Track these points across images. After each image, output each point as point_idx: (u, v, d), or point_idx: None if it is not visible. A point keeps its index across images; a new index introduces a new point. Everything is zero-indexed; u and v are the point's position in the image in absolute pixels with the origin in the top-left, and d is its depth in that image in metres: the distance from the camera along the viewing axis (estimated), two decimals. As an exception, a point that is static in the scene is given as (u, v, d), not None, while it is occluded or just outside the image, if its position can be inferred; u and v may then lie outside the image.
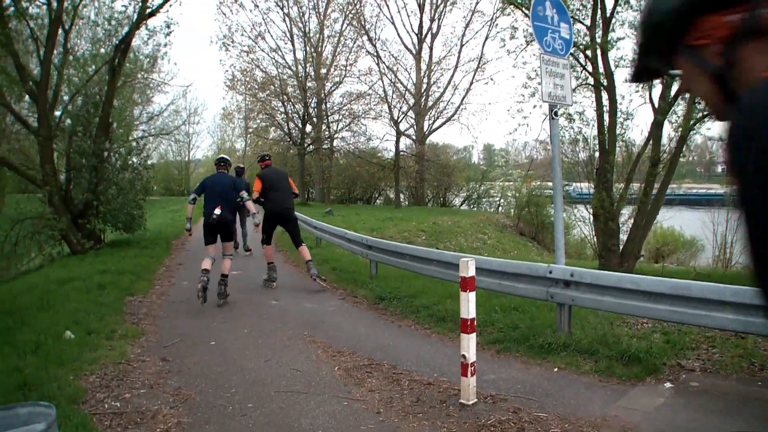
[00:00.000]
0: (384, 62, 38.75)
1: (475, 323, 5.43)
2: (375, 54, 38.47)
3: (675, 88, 13.90)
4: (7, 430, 3.45)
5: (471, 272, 5.36)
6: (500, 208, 35.97)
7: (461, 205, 41.88)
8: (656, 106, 14.03)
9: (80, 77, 20.18)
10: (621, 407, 5.25)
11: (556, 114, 7.69)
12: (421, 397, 5.58)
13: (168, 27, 19.55)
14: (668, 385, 5.80)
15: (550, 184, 26.24)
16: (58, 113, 18.48)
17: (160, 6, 17.86)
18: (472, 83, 39.42)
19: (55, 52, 16.93)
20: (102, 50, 21.60)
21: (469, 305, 5.33)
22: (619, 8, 14.41)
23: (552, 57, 7.57)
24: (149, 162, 24.49)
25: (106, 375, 6.31)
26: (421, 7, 39.51)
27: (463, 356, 5.31)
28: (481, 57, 38.70)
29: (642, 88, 14.80)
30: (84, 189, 17.50)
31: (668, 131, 14.68)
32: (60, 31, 16.44)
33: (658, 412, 5.15)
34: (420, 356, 6.96)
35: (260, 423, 5.07)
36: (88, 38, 23.01)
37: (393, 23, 44.73)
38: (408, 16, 48.12)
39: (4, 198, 28.47)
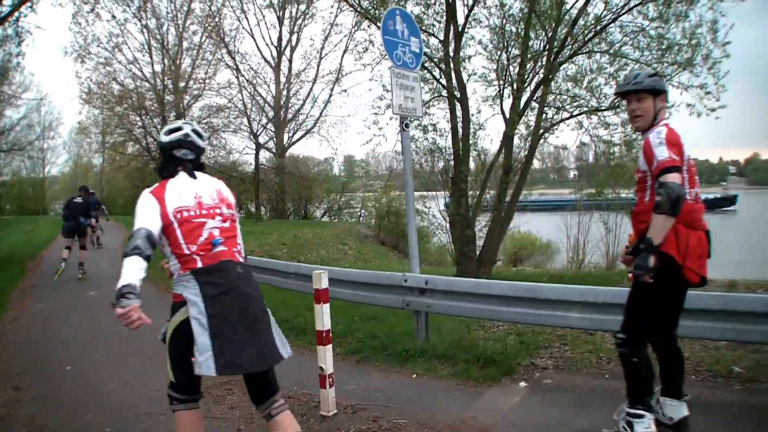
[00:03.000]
0: (243, 75, 38.36)
1: (331, 334, 5.43)
2: (234, 67, 37.99)
3: (524, 99, 14.49)
4: None
5: (324, 284, 5.36)
6: (361, 219, 36.26)
7: (322, 216, 41.91)
8: (507, 117, 14.54)
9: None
10: (478, 408, 5.38)
11: (407, 126, 7.82)
12: (281, 412, 5.54)
13: (18, 36, 18.62)
14: (523, 384, 6.00)
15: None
16: None
17: (8, 14, 17.02)
18: (331, 95, 39.60)
19: None
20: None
21: (323, 317, 5.32)
22: (469, 25, 14.86)
23: (402, 70, 7.70)
24: (0, 179, 23.26)
25: (-51, 407, 5.92)
26: (281, 20, 39.31)
27: (321, 368, 5.30)
28: (339, 69, 38.95)
29: (493, 100, 15.35)
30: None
31: (518, 141, 15.25)
32: None
33: (513, 411, 5.31)
34: (279, 369, 6.88)
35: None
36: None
37: (252, 36, 43.86)
38: (267, 29, 47.66)
39: None
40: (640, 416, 4.15)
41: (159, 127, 38.24)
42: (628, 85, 4.17)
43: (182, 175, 3.71)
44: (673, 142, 3.89)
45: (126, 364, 7.28)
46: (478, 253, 14.83)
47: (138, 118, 39.31)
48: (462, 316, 7.28)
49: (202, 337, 3.35)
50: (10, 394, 6.39)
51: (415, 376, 6.45)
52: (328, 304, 5.41)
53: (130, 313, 3.12)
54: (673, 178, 3.74)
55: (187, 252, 3.49)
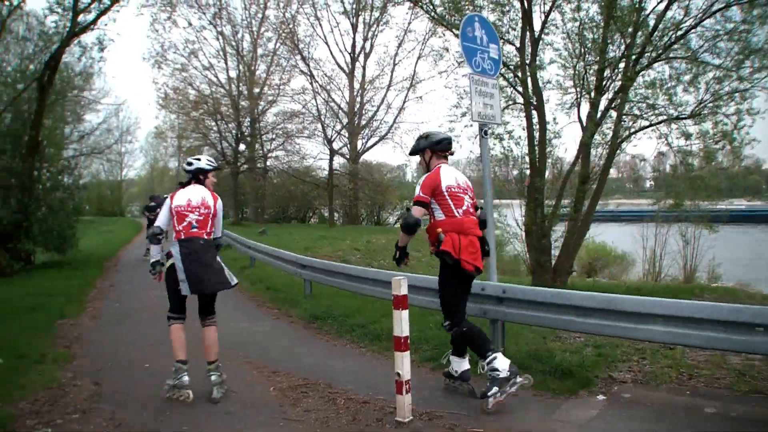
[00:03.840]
0: (317, 81, 38.77)
1: (409, 341, 5.44)
2: (308, 73, 38.48)
3: (601, 107, 14.28)
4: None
5: (403, 291, 5.37)
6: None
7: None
8: (584, 125, 14.35)
9: (8, 94, 19.63)
10: (555, 420, 5.32)
11: (485, 133, 7.80)
12: (357, 416, 5.56)
13: (101, 43, 19.22)
14: (601, 397, 5.90)
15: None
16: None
17: (92, 22, 17.62)
18: (405, 102, 39.75)
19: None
20: (31, 67, 21.08)
21: (402, 323, 5.34)
22: (546, 30, 14.74)
23: (481, 77, 7.68)
24: (81, 182, 23.99)
25: (36, 401, 6.12)
26: (354, 27, 39.68)
27: (398, 374, 5.32)
28: (413, 76, 39.05)
29: (570, 107, 15.17)
30: (12, 209, 17.05)
31: (597, 150, 15.01)
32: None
33: (591, 424, 5.22)
34: (356, 375, 6.95)
35: (194, 447, 4.99)
36: (18, 54, 22.38)
37: (326, 43, 44.47)
38: (341, 36, 48.22)
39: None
40: (494, 357, 5.61)
41: (234, 132, 38.99)
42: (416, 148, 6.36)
43: (190, 186, 6.59)
44: (428, 184, 5.82)
45: (201, 364, 7.42)
46: (553, 263, 14.66)
47: (213, 123, 40.10)
48: (540, 326, 7.21)
49: (180, 274, 6.10)
50: (92, 389, 6.60)
51: (490, 385, 6.41)
52: (407, 311, 5.42)
53: (156, 277, 6.52)
54: (414, 209, 5.78)
55: (177, 230, 6.27)
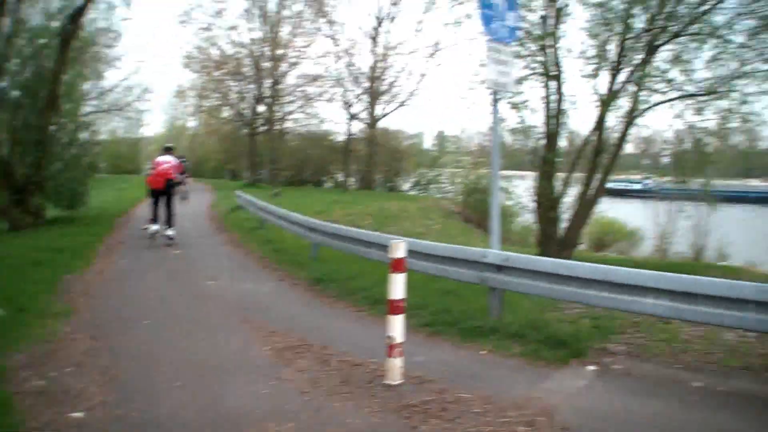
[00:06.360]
0: (340, 45, 38.52)
1: (404, 305, 5.45)
2: (332, 37, 38.22)
3: (620, 80, 14.11)
4: None
5: (400, 254, 5.39)
6: (449, 195, 35.97)
7: (410, 190, 41.85)
8: (602, 97, 14.19)
9: (31, 48, 19.59)
10: (544, 389, 5.35)
11: (497, 101, 7.76)
12: (348, 378, 5.61)
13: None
14: (592, 367, 5.93)
15: (501, 172, 26.43)
16: (3, 84, 18.02)
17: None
18: (426, 70, 39.42)
19: (6, 21, 16.49)
20: (56, 23, 21.00)
21: (398, 286, 5.36)
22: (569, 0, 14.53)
23: (498, 44, 7.62)
24: (98, 138, 24.05)
25: (33, 353, 6.19)
26: (373, -10, 39.23)
27: (389, 337, 5.35)
28: (436, 44, 38.65)
29: (589, 78, 14.97)
30: (27, 164, 17.16)
31: (611, 123, 14.85)
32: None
33: (579, 393, 5.28)
34: (352, 337, 7.00)
35: (185, 402, 5.03)
36: (43, 10, 22.30)
37: (351, 5, 44.19)
38: (367, -1, 47.80)
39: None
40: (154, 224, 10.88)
41: (254, 93, 38.83)
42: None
43: (164, 155, 14.52)
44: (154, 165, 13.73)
45: (200, 322, 7.51)
46: (562, 235, 14.62)
47: (234, 84, 39.94)
48: (538, 295, 7.20)
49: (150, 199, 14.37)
50: (89, 344, 6.66)
51: (485, 352, 6.44)
52: (403, 274, 5.44)
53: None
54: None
55: (150, 173, 14.16)
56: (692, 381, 5.46)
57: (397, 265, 5.40)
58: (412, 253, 6.91)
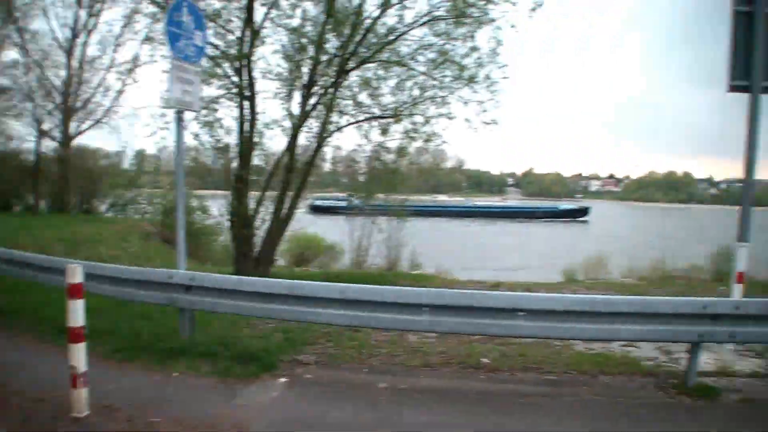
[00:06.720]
0: (32, 56, 35.80)
1: (85, 332, 5.21)
2: (22, 46, 35.41)
3: (312, 101, 14.69)
4: None
5: (78, 279, 5.15)
6: (147, 216, 34.94)
7: (107, 212, 40.03)
8: (294, 117, 14.65)
9: None
10: (235, 405, 5.47)
11: (181, 120, 7.75)
12: (31, 415, 5.27)
13: None
14: (283, 379, 6.17)
15: (199, 192, 26.30)
16: None
17: None
18: (124, 86, 37.91)
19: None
20: None
21: (76, 313, 5.14)
22: (266, 24, 14.83)
23: (183, 63, 7.60)
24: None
25: None
26: (79, 1, 37.04)
27: (72, 367, 5.11)
28: (135, 59, 37.26)
29: (283, 98, 15.38)
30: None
31: (306, 142, 15.44)
32: None
33: (270, 406, 5.47)
34: (36, 372, 6.56)
35: None
36: None
37: (46, 15, 41.15)
38: (63, 9, 44.75)
39: None
40: None
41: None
42: None
43: None
44: None
45: None
46: (257, 252, 14.83)
47: None
48: (226, 312, 7.24)
49: None
50: None
51: (176, 374, 6.38)
52: (82, 300, 5.21)
53: None
54: None
55: None
56: (379, 382, 5.92)
57: (74, 291, 5.16)
58: (97, 277, 6.71)
